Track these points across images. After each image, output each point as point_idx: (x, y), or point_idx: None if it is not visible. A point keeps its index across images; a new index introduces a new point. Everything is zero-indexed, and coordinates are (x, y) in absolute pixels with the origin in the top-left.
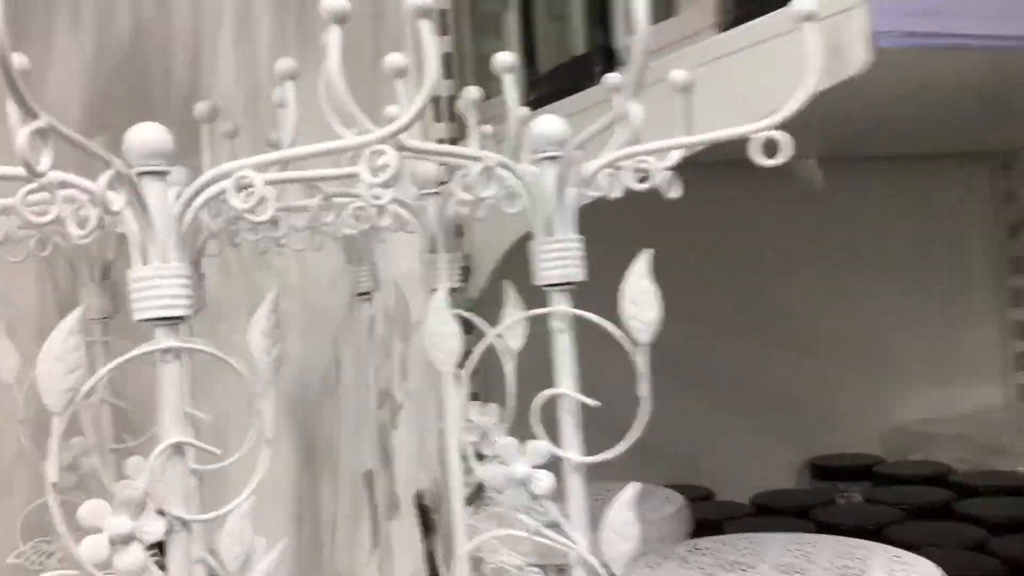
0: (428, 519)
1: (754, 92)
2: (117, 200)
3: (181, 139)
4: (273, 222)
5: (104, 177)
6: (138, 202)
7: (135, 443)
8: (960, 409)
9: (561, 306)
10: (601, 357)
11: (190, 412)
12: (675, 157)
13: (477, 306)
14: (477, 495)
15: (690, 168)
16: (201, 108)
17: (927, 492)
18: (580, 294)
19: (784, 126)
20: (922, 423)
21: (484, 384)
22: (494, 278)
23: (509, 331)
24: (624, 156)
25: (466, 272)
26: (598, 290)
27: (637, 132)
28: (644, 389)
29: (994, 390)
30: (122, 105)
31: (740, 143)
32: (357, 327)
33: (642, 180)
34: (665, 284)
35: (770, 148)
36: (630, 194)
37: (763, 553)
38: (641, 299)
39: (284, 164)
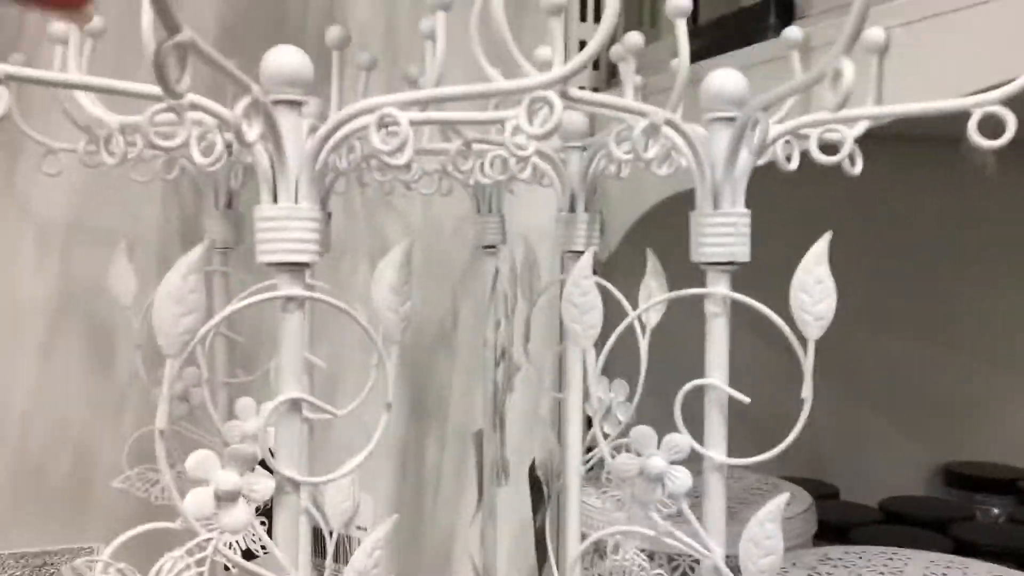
0: (539, 494)
1: (966, 61)
2: (252, 131)
3: (316, 68)
4: (407, 165)
5: (241, 104)
6: (272, 135)
7: (249, 379)
8: None
9: (721, 288)
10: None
11: (308, 358)
12: (863, 127)
13: (602, 268)
14: (595, 471)
15: (864, 145)
16: (333, 33)
17: None
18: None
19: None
20: None
21: (608, 355)
22: (625, 242)
23: (645, 299)
24: (813, 123)
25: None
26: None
27: (847, 95)
28: (808, 390)
29: None
30: (257, 27)
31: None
32: (479, 280)
33: (828, 151)
34: None
35: (993, 126)
36: (782, 178)
37: (902, 572)
38: (816, 290)
39: (425, 104)
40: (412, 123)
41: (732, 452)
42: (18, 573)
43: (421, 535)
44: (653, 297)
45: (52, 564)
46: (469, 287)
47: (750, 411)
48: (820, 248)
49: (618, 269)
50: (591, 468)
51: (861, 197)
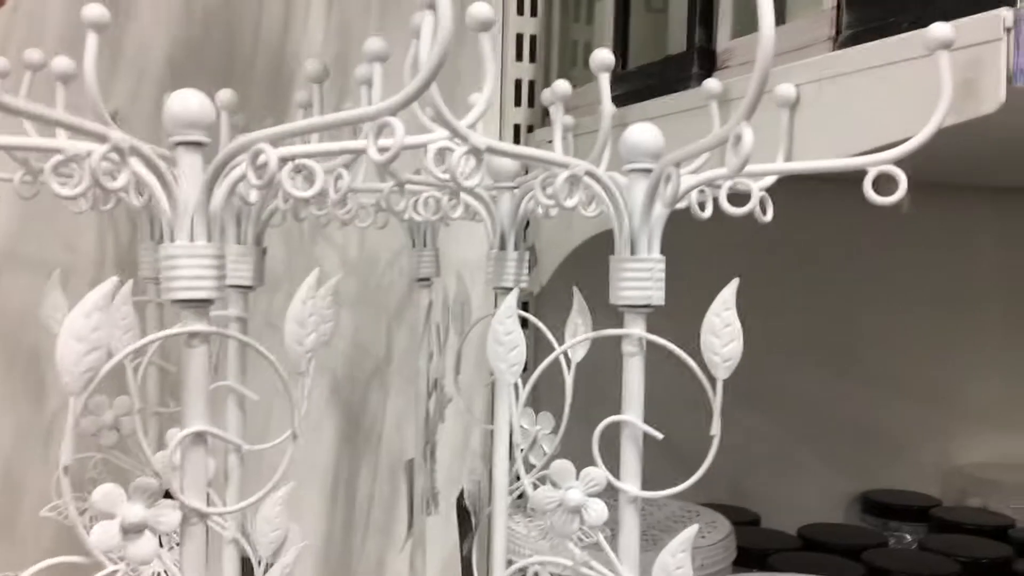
0: (467, 523)
1: (868, 118)
2: (119, 179)
3: (266, 100)
4: (342, 202)
5: (98, 152)
6: (157, 177)
7: (179, 408)
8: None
9: (637, 329)
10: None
11: (238, 389)
12: (771, 179)
13: (534, 301)
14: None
15: (774, 184)
16: (311, 67)
17: (985, 545)
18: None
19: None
20: (984, 468)
21: (534, 389)
22: (556, 276)
23: (571, 334)
24: (722, 176)
25: (529, 266)
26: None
27: (747, 158)
28: (716, 427)
29: None
30: (208, 65)
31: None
32: (413, 312)
33: (737, 202)
34: (738, 304)
35: (885, 184)
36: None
37: None
38: (724, 332)
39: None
40: (284, 158)
41: (657, 478)
42: None
43: (351, 563)
44: (578, 333)
45: None
46: (404, 318)
47: (674, 439)
48: (727, 294)
49: (549, 303)
50: (519, 496)
51: (775, 234)
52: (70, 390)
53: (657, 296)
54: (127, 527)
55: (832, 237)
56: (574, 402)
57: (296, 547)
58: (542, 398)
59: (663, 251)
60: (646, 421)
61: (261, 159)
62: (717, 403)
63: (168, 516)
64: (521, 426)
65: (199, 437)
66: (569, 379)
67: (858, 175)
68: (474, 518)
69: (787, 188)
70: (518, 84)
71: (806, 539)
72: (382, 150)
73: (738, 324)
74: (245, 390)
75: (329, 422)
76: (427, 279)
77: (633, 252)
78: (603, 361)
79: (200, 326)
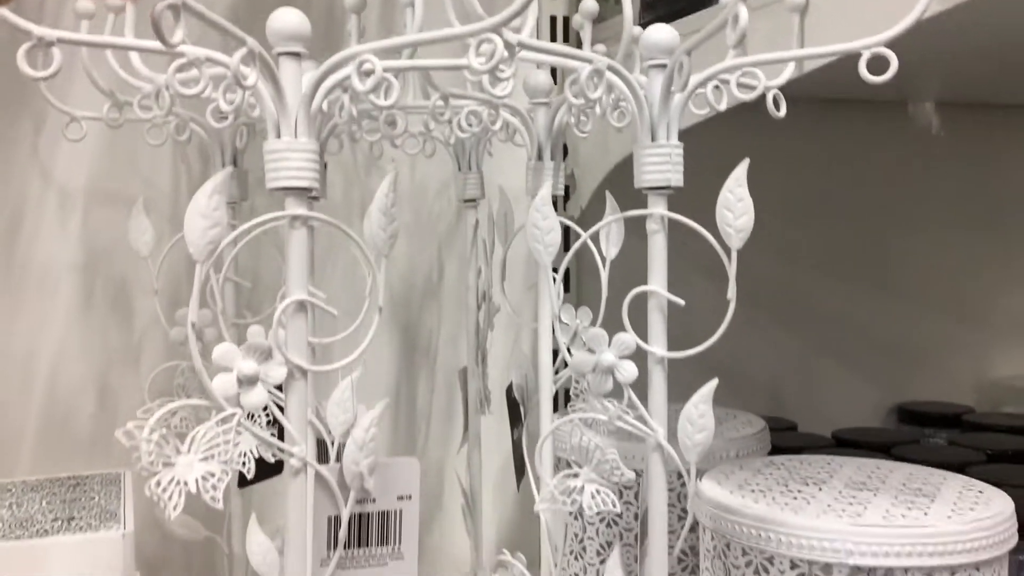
0: (516, 412)
1: (870, 13)
2: (250, 77)
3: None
4: (390, 122)
5: (238, 54)
6: (272, 80)
7: (255, 319)
8: None
9: (659, 209)
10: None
11: (311, 289)
12: (786, 75)
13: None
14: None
15: (807, 105)
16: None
17: (1014, 440)
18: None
19: (901, 56)
20: (1019, 378)
21: (579, 294)
22: (595, 199)
23: (605, 236)
24: (730, 68)
25: (568, 192)
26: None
27: (743, 33)
28: (732, 292)
29: None
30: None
31: (854, 75)
32: (462, 236)
33: (747, 91)
34: (775, 221)
35: (879, 66)
36: (747, 134)
37: (838, 471)
38: (737, 207)
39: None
40: (387, 69)
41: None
42: (55, 491)
43: (417, 453)
44: (611, 232)
45: (84, 485)
46: (453, 245)
47: (711, 355)
48: (740, 172)
49: (588, 225)
50: (562, 394)
51: (812, 155)
52: (197, 258)
53: (676, 178)
54: (242, 379)
55: (867, 158)
56: (616, 302)
57: (378, 407)
58: (582, 300)
59: (703, 174)
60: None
61: (366, 67)
62: (732, 271)
63: (276, 371)
64: (562, 321)
65: (301, 305)
66: (604, 275)
67: (902, 96)
68: (523, 407)
69: (824, 109)
70: (552, 19)
71: (840, 439)
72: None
73: (750, 200)
74: (323, 304)
75: (388, 342)
76: (473, 200)
77: (654, 139)
78: (636, 266)
79: (301, 210)
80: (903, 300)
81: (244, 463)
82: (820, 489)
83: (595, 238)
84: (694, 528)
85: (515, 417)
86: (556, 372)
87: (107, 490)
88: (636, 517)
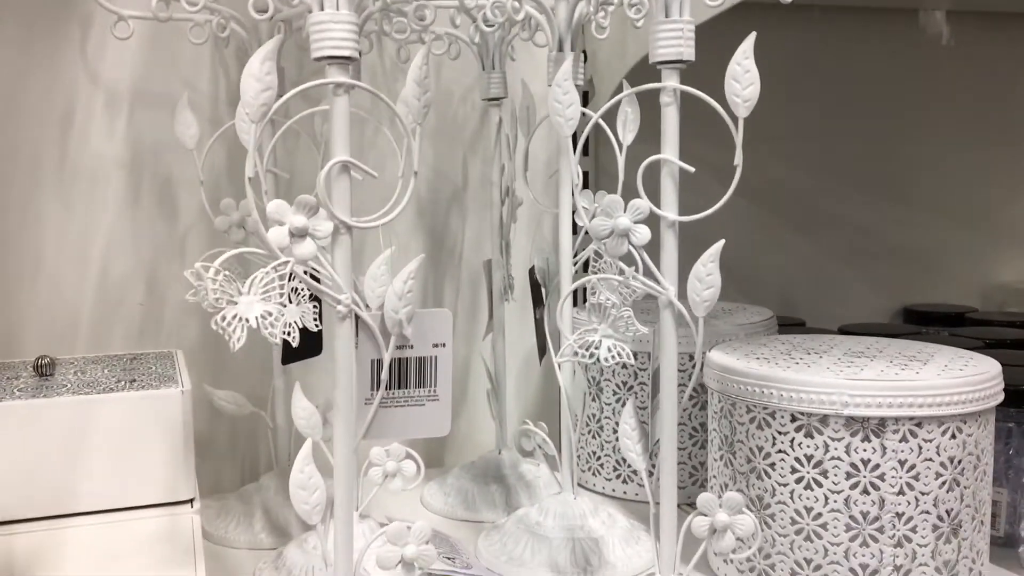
0: (538, 293)
1: None
2: None
3: None
4: (420, 16)
5: None
6: None
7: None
8: None
9: (672, 82)
10: None
11: (364, 168)
12: None
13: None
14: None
15: (820, 12)
16: None
17: (1014, 331)
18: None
19: None
20: (1023, 281)
21: (598, 179)
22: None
23: (622, 123)
24: None
25: (587, 97)
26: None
27: None
28: (739, 158)
29: None
30: None
31: None
32: (486, 142)
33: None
34: (790, 129)
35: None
36: (758, 46)
37: (839, 344)
38: (744, 78)
39: None
40: None
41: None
42: (115, 363)
43: None
44: (628, 120)
45: (141, 359)
46: (477, 149)
47: (724, 257)
48: (747, 44)
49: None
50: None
51: (825, 64)
52: (252, 119)
53: (688, 52)
54: (294, 231)
55: (878, 68)
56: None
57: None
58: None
59: (712, 80)
60: None
61: None
62: (739, 138)
63: (323, 225)
64: (583, 207)
65: (344, 167)
66: (621, 159)
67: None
68: (544, 288)
69: (836, 18)
70: None
71: (846, 332)
72: None
73: (755, 71)
74: (364, 167)
75: (415, 242)
76: (496, 99)
77: (667, 15)
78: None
79: (343, 78)
80: (912, 206)
81: (289, 332)
82: (821, 357)
83: (612, 125)
84: (700, 382)
85: (537, 297)
86: (575, 254)
87: (162, 363)
88: (650, 357)
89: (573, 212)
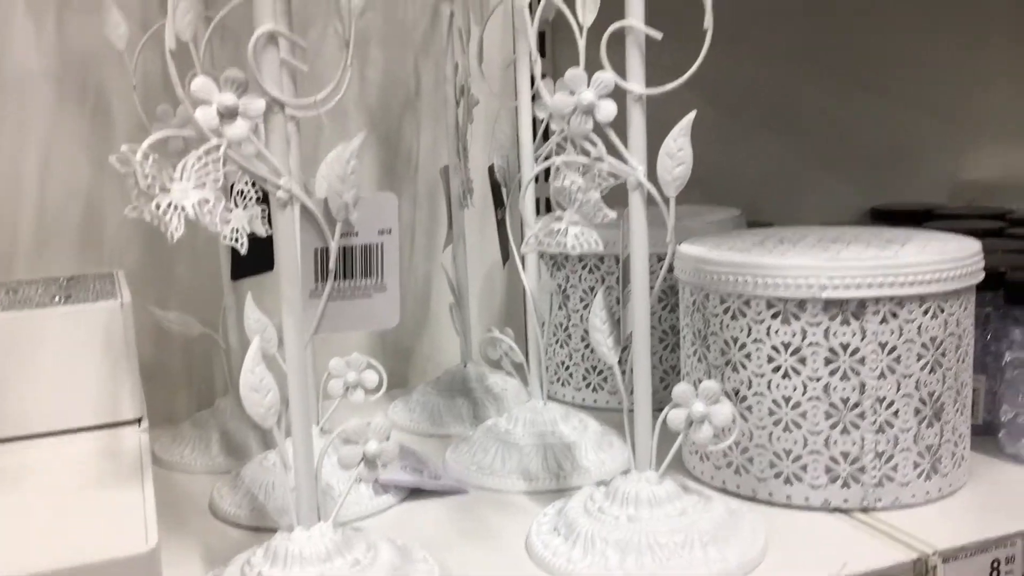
0: (499, 193)
1: None
2: None
3: None
4: None
5: None
6: None
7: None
8: None
9: None
10: None
11: (292, 37)
12: None
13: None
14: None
15: None
16: None
17: (982, 222)
18: None
19: None
20: (992, 177)
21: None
22: None
23: (581, 3)
24: None
25: None
26: None
27: None
28: (708, 21)
29: None
30: None
31: None
32: (437, 44)
33: None
34: (757, 28)
35: None
36: None
37: (813, 232)
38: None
39: None
40: None
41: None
42: (52, 284)
43: (404, 264)
44: (587, 3)
45: (78, 280)
46: (428, 50)
47: (696, 163)
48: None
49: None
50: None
51: None
52: None
53: None
54: (223, 111)
55: None
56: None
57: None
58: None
59: None
60: None
61: None
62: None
63: (254, 103)
64: (540, 98)
65: (271, 37)
66: (581, 43)
67: None
68: (504, 188)
69: None
70: None
71: None
72: None
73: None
74: (292, 36)
75: (369, 153)
76: None
77: None
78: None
79: None
80: (881, 104)
81: (237, 239)
82: (795, 245)
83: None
84: (672, 270)
85: (497, 199)
86: (536, 151)
87: (103, 281)
88: (617, 261)
89: (534, 101)
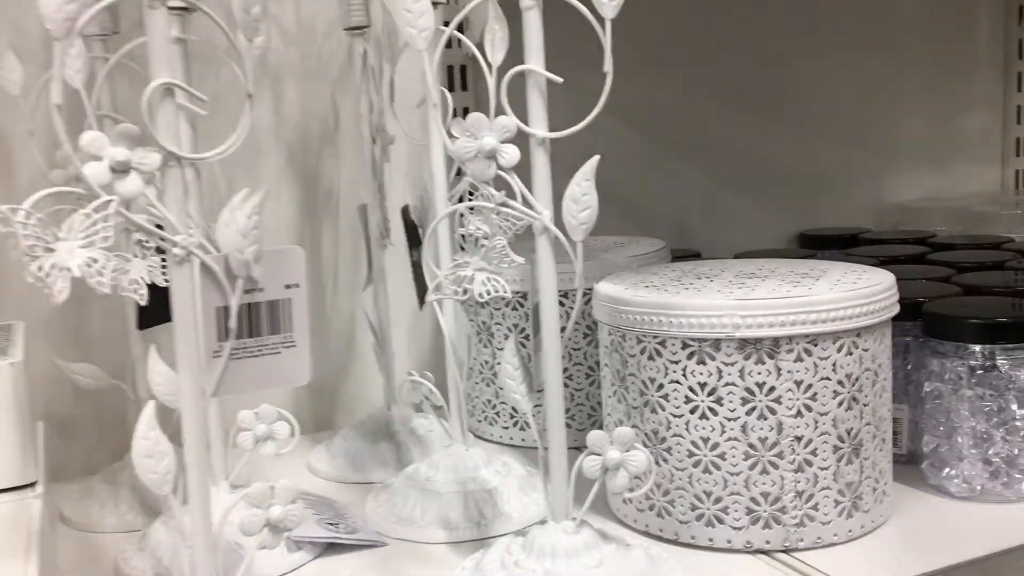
0: (414, 233)
1: None
2: None
3: None
4: None
5: None
6: None
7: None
8: (957, 191)
9: None
10: None
11: (189, 90)
12: None
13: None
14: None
15: None
16: None
17: (905, 248)
18: None
19: None
20: (916, 201)
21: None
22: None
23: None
24: None
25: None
26: None
27: None
28: (608, 64)
29: (993, 174)
30: None
31: None
32: (356, 77)
33: None
34: (676, 57)
35: None
36: None
37: (730, 267)
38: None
39: None
40: None
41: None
42: None
43: (324, 310)
44: (496, 39)
45: None
46: (346, 86)
47: (614, 188)
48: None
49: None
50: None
51: None
52: (55, 35)
53: None
54: (115, 166)
55: None
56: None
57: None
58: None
59: None
60: None
61: None
62: (607, 42)
63: (149, 158)
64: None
65: (168, 90)
66: (491, 80)
67: None
68: (420, 228)
69: None
70: None
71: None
72: None
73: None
74: (190, 89)
75: (287, 188)
76: (359, 27)
77: None
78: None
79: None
80: (803, 129)
81: (136, 290)
82: (712, 281)
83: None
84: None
85: (413, 239)
86: (451, 188)
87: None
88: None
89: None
